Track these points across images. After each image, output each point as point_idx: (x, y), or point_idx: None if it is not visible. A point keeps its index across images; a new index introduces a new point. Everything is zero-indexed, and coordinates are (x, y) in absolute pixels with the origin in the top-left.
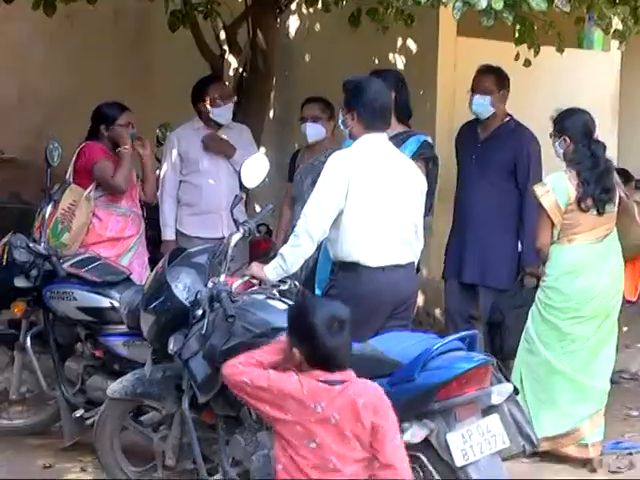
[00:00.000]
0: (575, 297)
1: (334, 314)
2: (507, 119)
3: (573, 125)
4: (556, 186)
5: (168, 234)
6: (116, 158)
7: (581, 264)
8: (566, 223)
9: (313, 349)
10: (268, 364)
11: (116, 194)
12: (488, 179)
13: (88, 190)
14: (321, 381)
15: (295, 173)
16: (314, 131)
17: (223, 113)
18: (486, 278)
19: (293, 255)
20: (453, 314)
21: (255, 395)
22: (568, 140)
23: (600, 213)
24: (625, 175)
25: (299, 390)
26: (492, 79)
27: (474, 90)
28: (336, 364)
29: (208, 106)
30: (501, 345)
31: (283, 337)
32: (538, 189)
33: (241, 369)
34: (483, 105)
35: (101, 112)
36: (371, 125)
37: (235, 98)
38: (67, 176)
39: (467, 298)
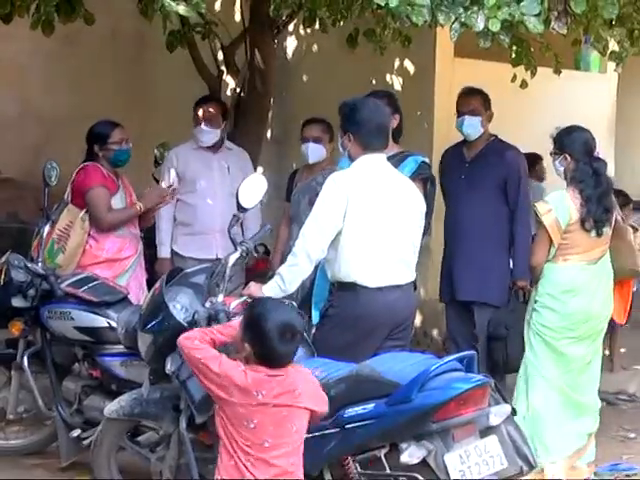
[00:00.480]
0: (570, 318)
1: (289, 323)
2: (492, 138)
3: (573, 143)
4: (558, 205)
5: (163, 252)
6: (112, 178)
7: (576, 285)
8: (564, 243)
9: (263, 349)
10: (219, 343)
11: (97, 226)
12: (478, 197)
13: (83, 211)
14: (264, 374)
15: (293, 193)
16: (316, 152)
17: (202, 133)
18: (483, 295)
19: (291, 275)
20: (455, 336)
21: (205, 373)
22: (569, 158)
23: (599, 234)
24: (623, 197)
25: (244, 380)
26: (479, 100)
27: (462, 112)
28: (280, 365)
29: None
30: (505, 359)
31: (237, 321)
32: (540, 207)
33: (197, 344)
34: (474, 126)
35: (93, 132)
36: (368, 145)
37: (222, 123)
38: (65, 196)
39: (466, 318)
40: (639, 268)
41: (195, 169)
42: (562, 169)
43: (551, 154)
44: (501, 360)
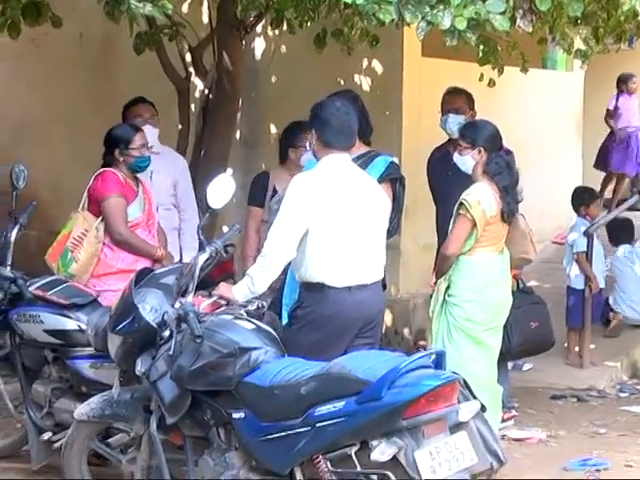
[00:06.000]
0: (492, 309)
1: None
2: None
3: (486, 136)
4: (484, 197)
5: None
6: (130, 185)
7: (495, 275)
8: (484, 235)
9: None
10: None
11: (111, 237)
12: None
13: (99, 220)
14: None
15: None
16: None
17: None
18: None
19: (261, 276)
20: None
21: None
22: (482, 151)
23: (509, 224)
24: (590, 193)
25: None
26: (464, 99)
27: (447, 110)
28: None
29: None
30: (509, 345)
31: None
32: (469, 199)
33: None
34: (458, 124)
35: (113, 135)
36: (331, 144)
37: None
38: (81, 203)
39: None
40: (528, 255)
41: None
42: (473, 163)
43: (459, 149)
44: (504, 347)
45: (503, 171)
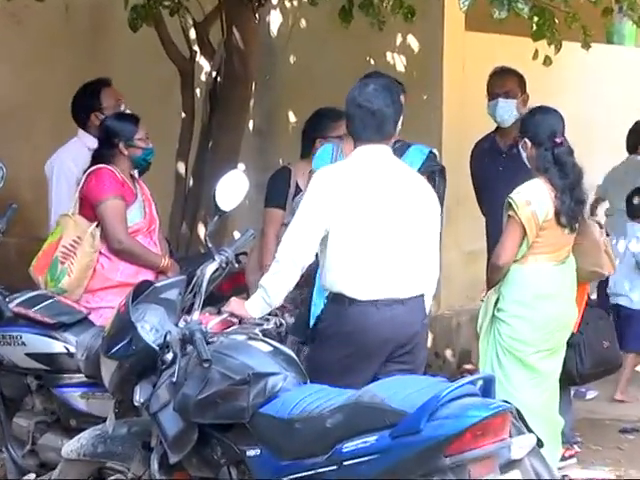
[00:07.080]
0: (545, 327)
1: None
2: None
3: (534, 126)
4: (535, 197)
5: None
6: (129, 185)
7: (549, 288)
8: (537, 241)
9: None
10: None
11: (109, 245)
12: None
13: (94, 225)
14: None
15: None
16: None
17: None
18: None
19: (275, 285)
20: None
21: None
22: (529, 143)
23: (572, 230)
24: None
25: None
26: (514, 81)
27: (496, 94)
28: None
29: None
30: (581, 367)
31: None
32: (517, 198)
33: None
34: (509, 110)
35: (116, 128)
36: (362, 135)
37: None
38: (72, 206)
39: None
40: (602, 269)
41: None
42: (525, 155)
43: (518, 138)
44: (575, 370)
45: (551, 167)
